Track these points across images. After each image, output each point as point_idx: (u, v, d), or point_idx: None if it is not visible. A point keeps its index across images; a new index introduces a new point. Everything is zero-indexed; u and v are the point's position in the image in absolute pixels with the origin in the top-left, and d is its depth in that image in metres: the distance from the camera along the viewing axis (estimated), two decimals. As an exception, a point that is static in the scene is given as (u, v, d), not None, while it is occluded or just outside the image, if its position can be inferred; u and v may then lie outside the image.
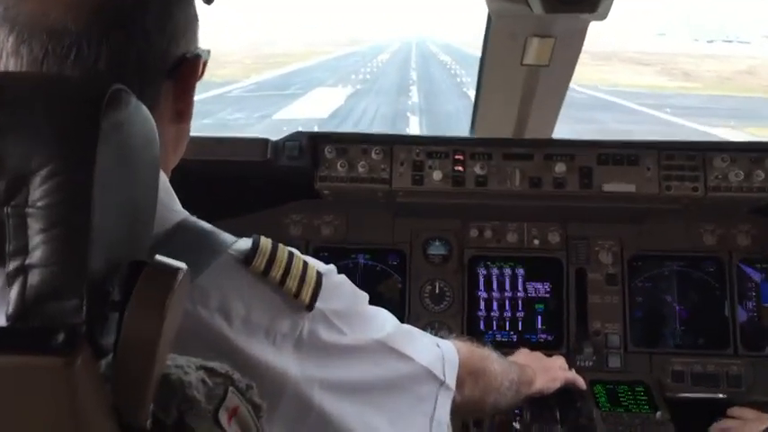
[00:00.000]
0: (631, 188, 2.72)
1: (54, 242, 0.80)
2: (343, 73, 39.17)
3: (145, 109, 0.93)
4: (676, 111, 24.70)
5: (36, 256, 0.80)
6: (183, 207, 1.28)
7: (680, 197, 2.74)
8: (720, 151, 2.73)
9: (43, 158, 0.80)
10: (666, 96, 30.29)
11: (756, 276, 2.95)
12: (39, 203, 0.80)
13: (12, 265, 0.80)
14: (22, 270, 0.80)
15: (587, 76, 34.27)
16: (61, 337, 0.78)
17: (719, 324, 2.91)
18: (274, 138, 2.80)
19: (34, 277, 0.80)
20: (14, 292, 0.80)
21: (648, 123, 22.07)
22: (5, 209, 0.80)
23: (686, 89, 34.28)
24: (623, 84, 35.23)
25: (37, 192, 0.80)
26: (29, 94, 0.85)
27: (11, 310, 0.80)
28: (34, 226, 0.80)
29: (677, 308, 2.94)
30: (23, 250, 0.80)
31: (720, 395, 2.82)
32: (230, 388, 0.98)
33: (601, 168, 2.74)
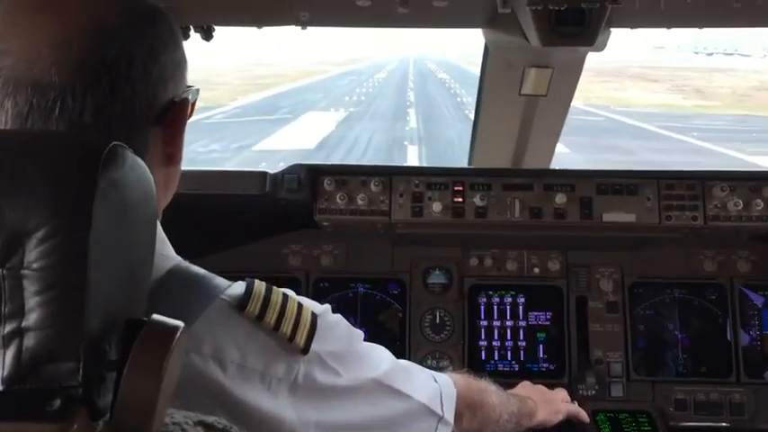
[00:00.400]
0: (631, 218, 2.72)
1: (50, 305, 0.79)
2: (337, 95, 36.76)
3: (141, 165, 0.92)
4: (703, 135, 23.04)
5: (32, 318, 0.79)
6: (187, 239, 1.28)
7: (680, 227, 2.74)
8: (720, 180, 2.73)
9: (39, 220, 0.80)
10: (687, 117, 28.06)
11: (759, 301, 2.94)
12: (34, 265, 0.79)
13: (7, 328, 0.80)
14: (18, 333, 0.79)
15: (597, 94, 32.93)
16: (57, 402, 0.77)
17: (722, 351, 2.90)
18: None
19: (30, 340, 0.79)
20: (10, 354, 0.79)
21: (682, 152, 20.25)
22: (1, 270, 0.80)
23: (704, 108, 32.32)
24: (637, 103, 33.47)
25: (33, 253, 0.79)
26: (25, 154, 0.84)
27: (6, 373, 0.79)
28: (30, 288, 0.79)
29: (679, 335, 2.93)
30: (19, 312, 0.80)
31: (723, 424, 2.80)
32: None
33: (601, 198, 2.74)
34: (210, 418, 0.98)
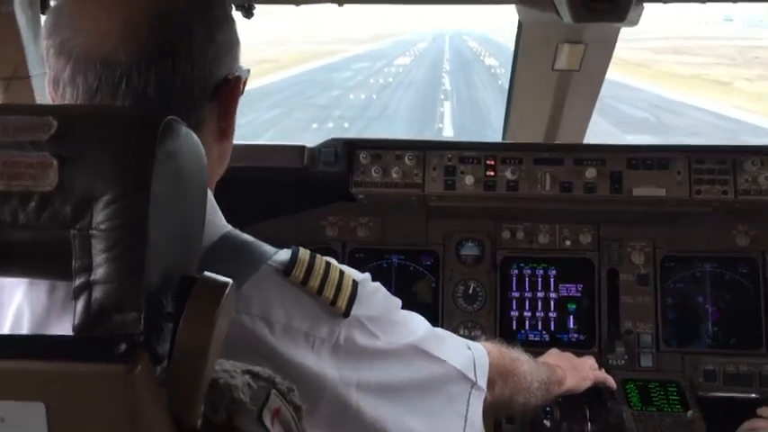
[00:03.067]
0: (661, 192, 2.75)
1: (115, 261, 0.89)
2: (303, 118, 21.83)
3: (194, 137, 1.01)
4: None
5: (99, 273, 0.89)
6: (227, 210, 1.37)
7: (710, 200, 2.77)
8: (751, 154, 2.75)
9: (105, 186, 0.89)
10: None
11: None
12: (101, 226, 0.89)
13: (78, 281, 0.90)
14: (87, 286, 0.89)
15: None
16: (123, 346, 0.87)
17: (752, 324, 2.93)
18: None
19: (98, 292, 0.89)
20: (80, 305, 0.89)
21: None
22: (72, 231, 0.90)
23: None
24: None
25: (100, 215, 0.89)
26: (91, 127, 0.94)
27: (77, 321, 0.89)
28: (97, 246, 0.89)
29: (709, 308, 2.96)
30: (88, 268, 0.89)
31: (753, 395, 2.84)
32: (273, 390, 1.06)
33: (631, 173, 2.78)
34: (256, 368, 1.07)
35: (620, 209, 2.85)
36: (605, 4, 2.04)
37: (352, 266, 1.44)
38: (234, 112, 1.37)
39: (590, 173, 2.78)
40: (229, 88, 1.32)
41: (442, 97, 25.97)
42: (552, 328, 3.01)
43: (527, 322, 3.02)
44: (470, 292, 3.03)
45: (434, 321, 2.94)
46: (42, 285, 1.18)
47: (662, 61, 36.05)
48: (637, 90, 27.75)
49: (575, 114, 2.90)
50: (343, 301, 1.32)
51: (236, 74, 1.34)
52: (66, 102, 1.21)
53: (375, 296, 1.44)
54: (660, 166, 2.78)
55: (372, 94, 26.68)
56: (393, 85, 28.62)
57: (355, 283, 1.36)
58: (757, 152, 2.76)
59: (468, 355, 1.66)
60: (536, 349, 2.50)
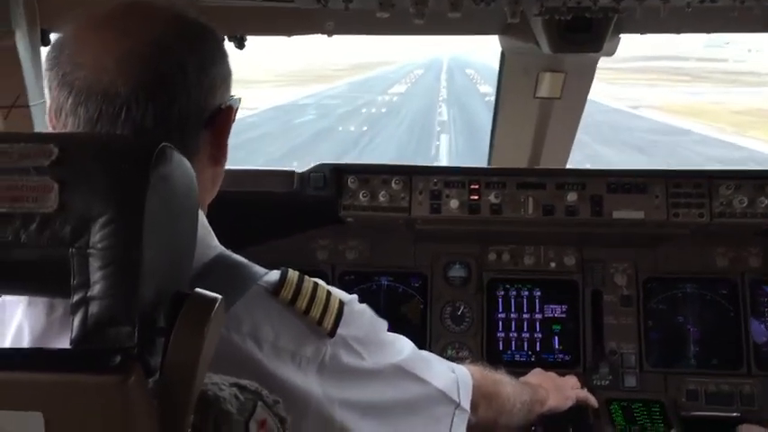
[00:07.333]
0: (640, 215, 2.83)
1: (111, 278, 0.95)
2: None
3: (186, 162, 1.07)
4: None
5: (96, 289, 0.95)
6: (221, 234, 1.43)
7: (687, 223, 2.85)
8: (725, 179, 2.84)
9: (102, 207, 0.96)
10: None
11: None
12: (98, 245, 0.95)
13: (75, 297, 0.96)
14: (84, 301, 0.95)
15: None
16: (117, 359, 0.93)
17: (733, 344, 2.99)
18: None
19: (94, 307, 0.94)
20: (78, 319, 0.95)
21: None
22: (71, 249, 0.96)
23: None
24: None
25: (97, 235, 0.95)
26: (89, 153, 1.00)
27: (74, 335, 0.95)
28: (94, 264, 0.95)
29: (691, 329, 3.02)
30: (85, 284, 0.95)
31: (734, 413, 2.89)
32: (259, 402, 1.12)
33: (611, 196, 2.86)
34: (244, 381, 1.12)
35: (601, 231, 2.92)
36: (582, 35, 2.13)
37: (342, 289, 1.49)
38: (226, 140, 1.44)
39: (571, 196, 2.86)
40: (222, 117, 1.39)
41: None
42: (538, 349, 3.06)
43: (513, 343, 3.07)
44: (458, 313, 3.09)
45: (422, 342, 3.04)
46: (41, 305, 1.23)
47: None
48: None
49: (557, 140, 2.99)
50: (329, 322, 1.37)
51: (229, 103, 1.41)
52: (68, 130, 1.27)
53: (361, 317, 1.49)
54: (639, 189, 2.86)
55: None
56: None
57: (342, 304, 1.41)
58: (732, 177, 2.85)
59: (452, 377, 1.71)
60: (522, 369, 2.56)
